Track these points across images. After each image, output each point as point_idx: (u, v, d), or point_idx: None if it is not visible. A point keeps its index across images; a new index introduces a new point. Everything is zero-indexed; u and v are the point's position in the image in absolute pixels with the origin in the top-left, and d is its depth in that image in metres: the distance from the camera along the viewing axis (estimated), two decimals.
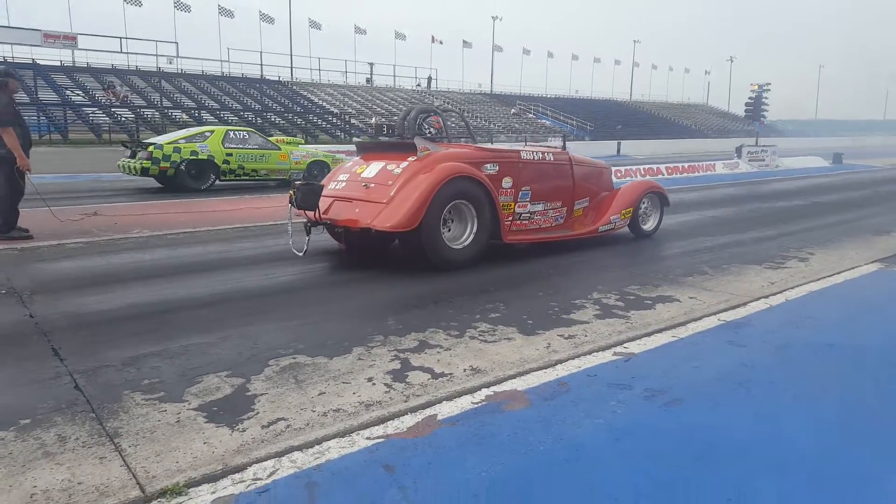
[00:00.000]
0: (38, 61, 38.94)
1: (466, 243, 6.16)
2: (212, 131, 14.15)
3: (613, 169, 8.68)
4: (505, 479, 2.39)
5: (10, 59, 37.47)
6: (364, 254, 6.76)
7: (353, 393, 3.20)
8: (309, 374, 3.43)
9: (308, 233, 6.32)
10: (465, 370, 3.52)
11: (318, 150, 17.53)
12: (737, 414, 3.00)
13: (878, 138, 59.79)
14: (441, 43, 62.98)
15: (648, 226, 8.14)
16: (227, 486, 2.35)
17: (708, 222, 9.57)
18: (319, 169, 14.75)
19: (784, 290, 5.24)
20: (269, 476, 2.41)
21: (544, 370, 3.49)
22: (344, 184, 6.42)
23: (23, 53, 39.31)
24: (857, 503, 2.28)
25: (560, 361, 3.62)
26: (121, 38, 43.07)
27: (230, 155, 13.77)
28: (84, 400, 3.08)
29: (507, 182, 6.61)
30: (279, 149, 14.79)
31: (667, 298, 5.04)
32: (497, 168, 6.53)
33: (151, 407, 3.02)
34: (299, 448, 2.63)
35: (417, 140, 6.29)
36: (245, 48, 57.78)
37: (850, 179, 18.80)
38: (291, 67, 51.90)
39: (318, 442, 2.68)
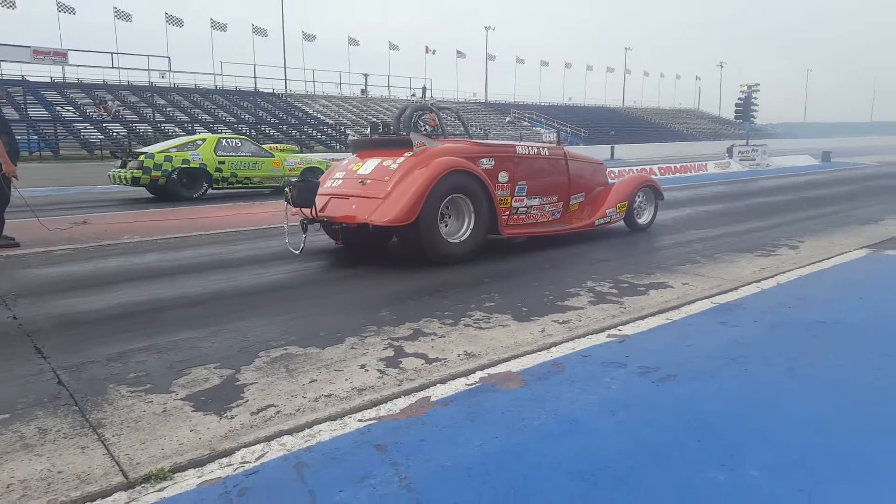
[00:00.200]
0: (27, 78, 38.87)
1: (464, 238, 6.13)
2: (204, 139, 14.11)
3: (608, 171, 8.68)
4: (499, 451, 2.35)
5: None
6: (361, 251, 6.72)
7: (346, 379, 3.15)
8: (300, 364, 3.37)
9: (304, 230, 6.28)
10: (459, 355, 3.47)
11: (313, 157, 17.49)
12: (730, 386, 2.97)
13: (865, 139, 60.16)
14: (434, 53, 63.30)
15: (643, 219, 8.15)
16: (215, 470, 2.29)
17: (700, 216, 9.56)
18: (314, 175, 14.67)
19: (775, 275, 5.24)
20: (257, 459, 2.36)
21: (539, 353, 3.46)
22: (340, 181, 6.39)
23: (12, 70, 39.30)
24: (845, 466, 2.25)
25: (555, 344, 3.59)
26: (112, 53, 43.09)
27: (223, 163, 13.70)
28: (67, 394, 3.01)
29: (503, 176, 6.59)
30: (273, 156, 14.73)
31: (660, 285, 5.01)
32: (493, 163, 6.51)
33: (137, 398, 2.95)
34: (289, 432, 2.58)
35: (413, 135, 6.27)
36: (238, 61, 58.01)
37: (839, 176, 18.87)
38: (285, 79, 52.00)
39: (309, 426, 2.63)
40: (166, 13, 48.85)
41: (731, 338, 3.66)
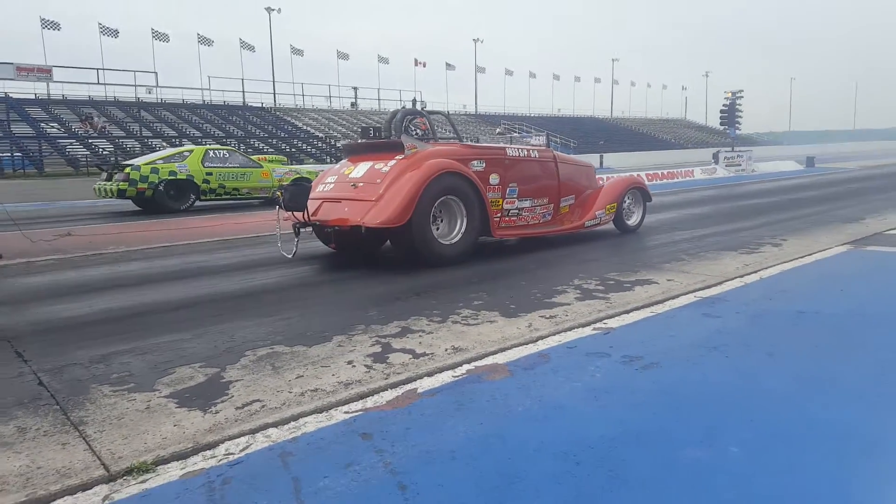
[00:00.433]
0: (10, 94, 38.67)
1: (456, 239, 6.16)
2: (191, 151, 14.03)
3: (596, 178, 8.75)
4: (483, 436, 2.36)
5: None
6: (353, 256, 6.72)
7: (333, 375, 3.14)
8: (287, 361, 3.36)
9: (297, 234, 6.27)
10: (446, 350, 3.48)
11: (302, 168, 17.47)
12: (712, 372, 3.01)
13: (848, 145, 60.82)
14: (424, 66, 63.61)
15: (632, 221, 8.21)
16: (198, 462, 2.28)
17: (686, 219, 9.63)
18: None
19: (758, 271, 5.30)
20: (241, 451, 2.35)
21: (525, 346, 3.47)
22: (332, 185, 6.40)
23: None
24: (820, 439, 2.30)
25: (541, 337, 3.60)
26: (97, 69, 42.92)
27: (210, 174, 13.63)
28: (48, 395, 2.98)
29: (494, 178, 6.62)
30: (261, 167, 14.67)
31: (645, 281, 5.04)
32: (484, 165, 6.55)
33: (120, 397, 2.93)
34: (274, 425, 2.57)
35: (404, 138, 6.29)
36: (226, 76, 57.98)
37: (822, 179, 19.08)
38: (274, 94, 52.08)
39: (295, 418, 2.62)
40: (152, 29, 48.92)
41: (713, 328, 3.70)
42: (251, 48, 53.44)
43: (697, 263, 5.75)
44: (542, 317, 4.09)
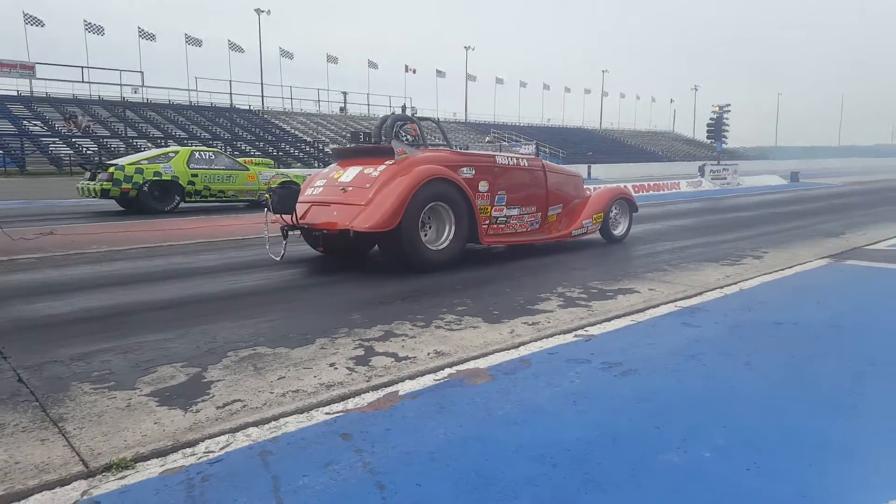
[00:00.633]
0: None
1: (444, 245, 6.18)
2: (176, 152, 13.98)
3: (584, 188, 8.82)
4: (463, 438, 2.38)
5: None
6: (341, 259, 6.74)
7: (314, 376, 3.15)
8: (269, 363, 3.37)
9: (285, 237, 6.27)
10: (428, 353, 3.50)
11: (289, 172, 17.43)
12: (689, 379, 3.06)
13: (833, 161, 61.65)
14: (415, 72, 63.69)
15: (619, 231, 8.28)
16: (178, 459, 2.28)
17: (671, 230, 9.73)
18: None
19: (738, 282, 5.36)
20: (221, 449, 2.36)
21: (507, 351, 3.50)
22: (321, 189, 6.40)
23: None
24: (793, 445, 2.34)
25: (523, 343, 3.63)
26: (82, 67, 42.53)
27: (195, 176, 13.59)
28: (28, 391, 2.97)
29: (483, 186, 6.66)
30: (247, 169, 14.64)
31: (627, 290, 5.09)
32: (473, 172, 6.59)
33: (100, 395, 2.92)
34: (255, 424, 2.57)
35: (395, 143, 6.31)
36: (214, 77, 57.71)
37: (806, 194, 19.29)
38: (262, 96, 51.87)
39: (275, 418, 2.63)
40: (139, 27, 48.54)
41: (692, 337, 3.75)
42: (240, 50, 53.27)
43: (679, 274, 5.82)
44: (524, 323, 4.13)
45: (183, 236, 8.99)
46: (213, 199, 14.06)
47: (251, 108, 49.60)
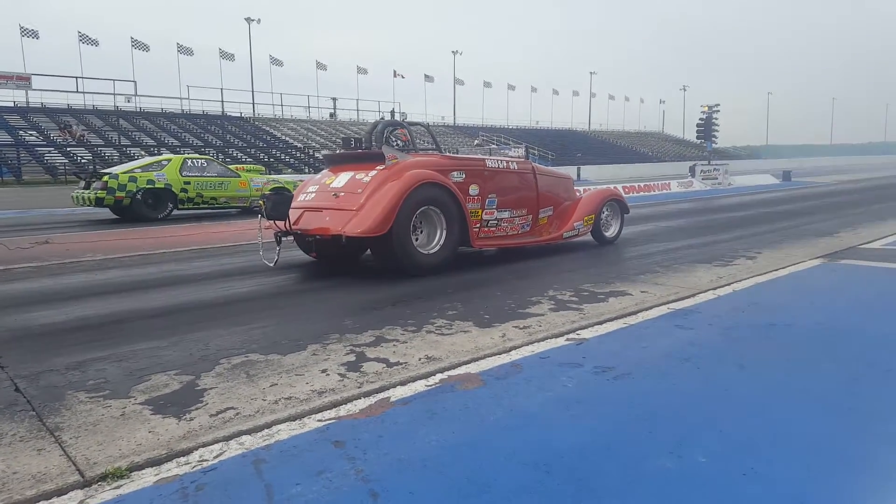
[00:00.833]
0: None
1: (436, 249, 6.22)
2: (169, 160, 13.98)
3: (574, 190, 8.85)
4: (455, 444, 2.40)
5: None
6: (333, 264, 6.76)
7: (306, 383, 3.17)
8: (261, 370, 3.38)
9: (279, 243, 6.31)
10: (420, 359, 3.52)
11: (280, 178, 17.44)
12: (683, 382, 3.07)
13: (825, 160, 61.97)
14: (403, 77, 63.85)
15: (610, 232, 8.32)
16: (172, 468, 2.30)
17: (662, 231, 9.77)
18: None
19: (731, 283, 5.38)
20: (215, 457, 2.37)
21: (498, 355, 3.52)
22: (313, 194, 6.45)
23: None
24: (788, 449, 2.35)
25: (514, 348, 3.65)
26: (77, 77, 42.55)
27: (188, 183, 13.60)
28: (24, 401, 2.99)
29: (473, 189, 6.70)
30: (239, 176, 14.66)
31: (619, 293, 5.12)
32: (464, 176, 6.63)
33: (95, 404, 2.94)
34: (248, 432, 2.59)
35: (385, 149, 6.35)
36: (205, 85, 57.70)
37: (798, 193, 19.40)
38: (253, 103, 51.92)
39: (268, 426, 2.64)
40: (132, 38, 48.57)
41: (685, 339, 3.77)
42: (231, 57, 53.29)
43: (671, 275, 5.85)
44: (515, 327, 4.15)
45: (176, 244, 8.99)
46: (206, 206, 14.08)
47: (242, 115, 49.62)
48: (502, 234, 7.12)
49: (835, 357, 3.44)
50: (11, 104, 40.19)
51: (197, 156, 15.66)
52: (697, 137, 29.54)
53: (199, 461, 2.34)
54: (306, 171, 34.38)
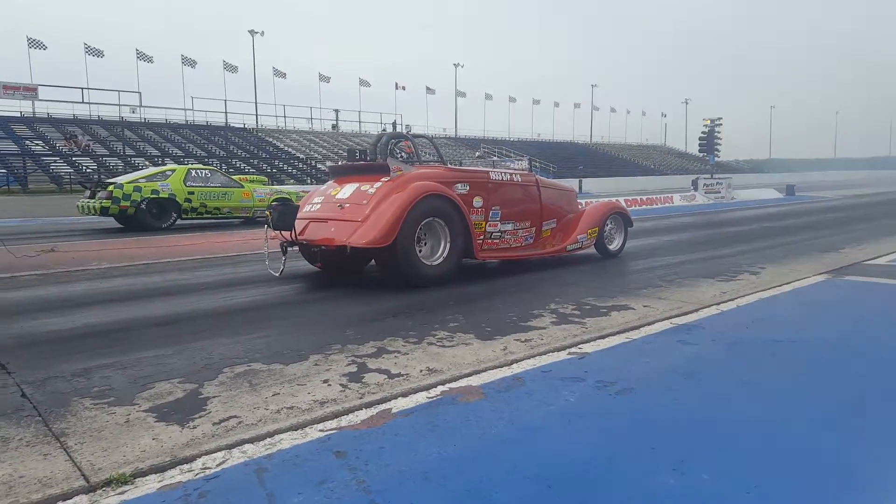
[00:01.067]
0: None
1: (440, 261, 6.26)
2: (173, 170, 14.07)
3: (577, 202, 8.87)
4: (456, 457, 2.41)
5: None
6: (337, 275, 6.79)
7: (308, 393, 3.18)
8: (263, 379, 3.40)
9: (284, 253, 6.36)
10: (421, 371, 3.53)
11: (283, 188, 17.51)
12: (686, 398, 3.06)
13: (828, 174, 62.01)
14: (405, 89, 64.16)
15: (614, 246, 8.33)
16: (175, 475, 2.32)
17: (664, 245, 9.78)
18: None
19: (735, 298, 5.36)
20: (218, 465, 2.39)
21: (500, 368, 3.52)
22: (319, 205, 6.51)
23: None
24: (793, 469, 2.34)
25: (516, 361, 3.66)
26: (82, 88, 42.85)
27: (192, 193, 13.69)
28: (31, 406, 3.02)
29: (477, 201, 6.74)
30: (242, 187, 14.75)
31: (622, 307, 5.13)
32: (468, 188, 6.67)
33: (100, 410, 2.96)
34: (250, 441, 2.61)
35: (390, 161, 6.40)
36: (209, 97, 58.05)
37: (802, 208, 19.37)
38: (256, 115, 52.20)
39: (270, 435, 2.66)
40: (137, 49, 48.95)
41: (688, 355, 3.76)
42: (234, 69, 53.65)
43: (674, 290, 5.85)
44: (517, 340, 4.16)
45: (179, 253, 9.04)
46: (209, 216, 14.16)
47: (245, 126, 49.89)
48: (506, 247, 7.15)
49: (840, 375, 3.43)
50: (18, 114, 40.49)
51: (201, 166, 15.75)
52: (700, 151, 29.59)
53: (202, 469, 2.36)
54: (308, 181, 34.49)
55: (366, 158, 6.92)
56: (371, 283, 6.49)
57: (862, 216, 15.25)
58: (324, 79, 58.93)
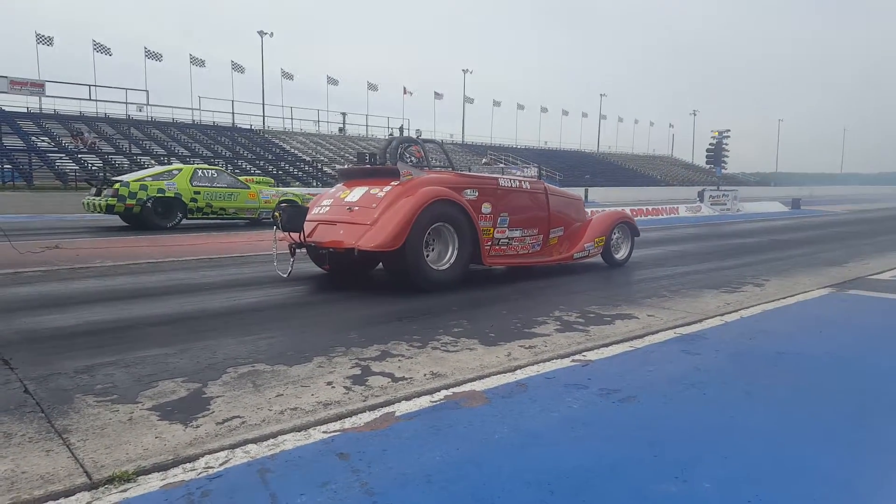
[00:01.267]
0: (3, 107, 38.65)
1: (447, 266, 6.27)
2: (179, 169, 14.13)
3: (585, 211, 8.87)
4: (459, 461, 2.41)
5: None
6: (343, 277, 6.81)
7: (312, 394, 3.18)
8: (267, 380, 3.40)
9: (293, 255, 6.38)
10: (425, 375, 3.53)
11: (289, 190, 17.55)
12: (689, 407, 3.06)
13: (835, 188, 61.93)
14: (412, 94, 64.25)
15: (620, 255, 8.33)
16: (178, 474, 2.32)
17: (670, 255, 9.77)
18: None
19: (739, 310, 5.37)
20: (221, 465, 2.39)
21: (503, 374, 3.52)
22: (328, 208, 6.52)
23: None
24: (794, 479, 2.34)
25: (519, 367, 3.66)
26: (90, 85, 42.97)
27: (198, 193, 13.73)
28: (34, 402, 3.02)
29: (486, 208, 6.76)
30: (248, 188, 14.78)
31: (626, 316, 5.12)
32: (477, 194, 6.69)
33: (103, 407, 2.97)
34: (254, 441, 2.61)
35: (400, 165, 6.42)
36: (216, 97, 58.16)
37: (807, 222, 19.35)
38: (263, 116, 52.28)
39: (274, 436, 2.66)
40: (145, 48, 49.11)
41: (692, 365, 3.76)
42: (242, 70, 53.78)
43: (678, 300, 5.85)
44: (521, 346, 4.16)
45: (184, 252, 9.05)
46: (215, 216, 14.19)
47: (252, 127, 49.99)
48: (513, 253, 7.16)
49: (843, 388, 3.42)
50: (25, 110, 40.61)
51: (207, 166, 15.80)
52: (707, 162, 29.56)
53: (205, 468, 2.36)
54: (314, 184, 34.51)
55: (376, 162, 6.94)
56: (376, 287, 6.50)
57: (867, 231, 15.22)
58: (332, 81, 59.05)
